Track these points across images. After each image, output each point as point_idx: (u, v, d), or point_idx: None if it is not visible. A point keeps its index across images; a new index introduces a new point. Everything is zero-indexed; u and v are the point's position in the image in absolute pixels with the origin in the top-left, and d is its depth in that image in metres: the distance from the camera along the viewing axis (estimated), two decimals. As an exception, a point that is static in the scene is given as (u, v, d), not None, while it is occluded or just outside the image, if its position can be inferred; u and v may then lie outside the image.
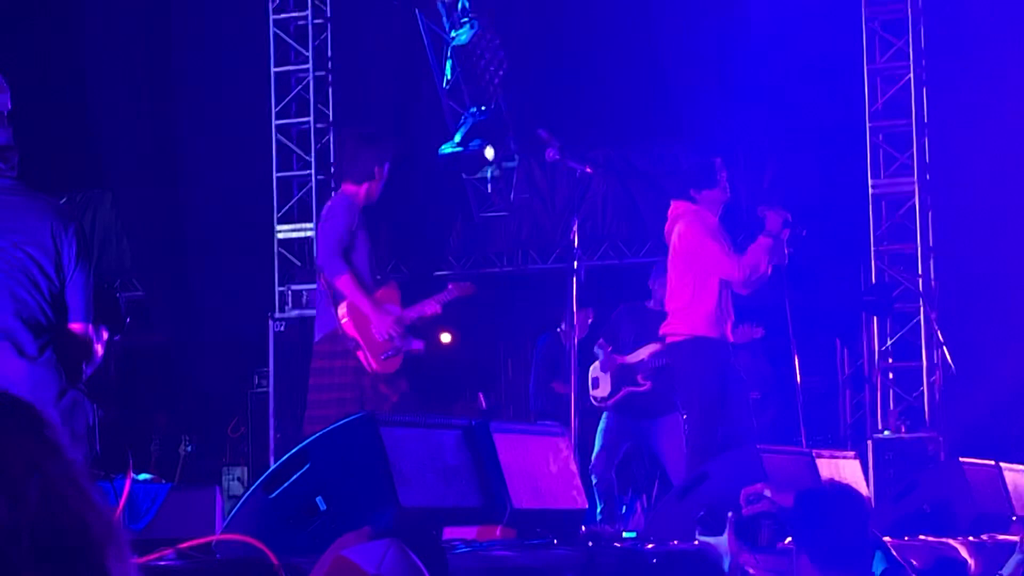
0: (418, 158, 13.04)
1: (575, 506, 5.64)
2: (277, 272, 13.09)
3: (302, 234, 13.11)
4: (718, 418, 7.80)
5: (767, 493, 4.64)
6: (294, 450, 4.69)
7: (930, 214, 12.12)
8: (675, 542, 5.52)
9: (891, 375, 12.12)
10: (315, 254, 7.47)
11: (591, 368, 9.28)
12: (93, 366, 4.66)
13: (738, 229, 8.35)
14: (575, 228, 7.85)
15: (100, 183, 14.03)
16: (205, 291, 13.62)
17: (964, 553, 6.40)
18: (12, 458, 1.27)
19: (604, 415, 9.36)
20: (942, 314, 11.84)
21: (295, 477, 4.59)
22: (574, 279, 7.60)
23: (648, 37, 13.04)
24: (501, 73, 13.03)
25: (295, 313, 12.68)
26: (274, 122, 13.22)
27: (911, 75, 12.07)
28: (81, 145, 13.83)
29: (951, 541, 6.52)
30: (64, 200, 5.00)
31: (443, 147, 13.26)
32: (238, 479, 12.98)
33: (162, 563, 3.88)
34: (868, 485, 8.39)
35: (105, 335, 4.71)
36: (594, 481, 9.11)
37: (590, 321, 10.05)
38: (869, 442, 11.56)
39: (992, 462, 8.08)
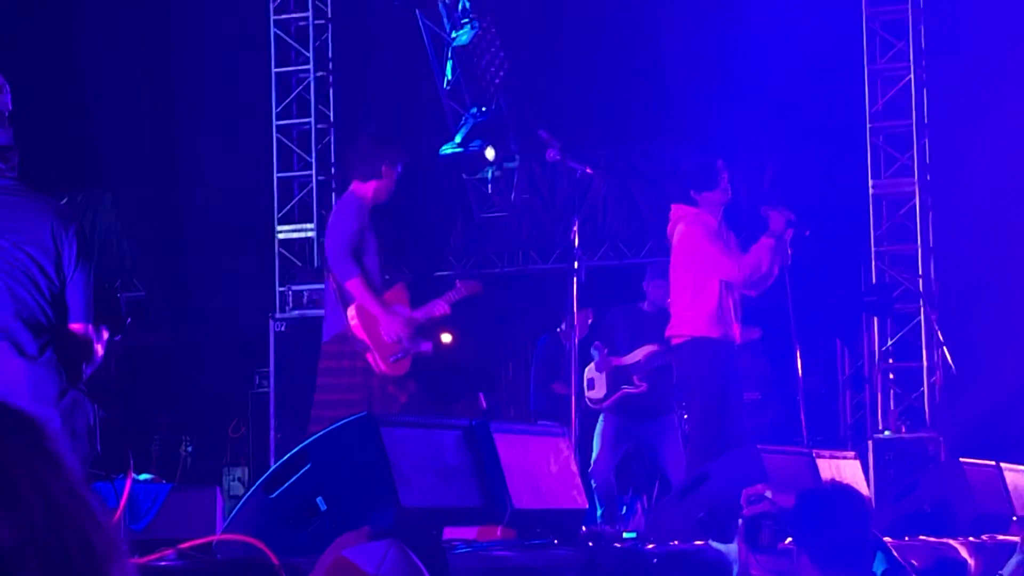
0: (418, 158, 13.01)
1: (575, 506, 5.64)
2: (278, 272, 13.09)
3: (303, 234, 13.11)
4: (719, 418, 7.80)
5: (768, 494, 4.64)
6: (294, 450, 4.69)
7: (930, 214, 12.12)
8: (675, 542, 5.52)
9: (891, 375, 12.12)
10: (324, 254, 7.43)
11: (586, 369, 9.27)
12: (93, 366, 4.66)
13: (738, 230, 8.34)
14: (575, 229, 7.85)
15: (100, 183, 14.03)
16: (205, 291, 13.62)
17: (964, 553, 6.40)
18: (17, 476, 1.24)
19: (601, 417, 9.34)
20: (942, 314, 11.84)
21: (295, 477, 4.59)
22: (574, 279, 7.60)
23: (648, 37, 13.04)
24: (502, 74, 13.03)
25: (296, 313, 12.68)
26: (275, 122, 13.23)
27: (911, 76, 12.07)
28: (81, 145, 13.83)
29: (951, 541, 6.52)
30: (64, 200, 5.00)
31: (444, 148, 13.26)
32: (239, 479, 12.97)
33: (162, 563, 3.88)
34: (868, 485, 8.39)
35: (105, 335, 4.71)
36: (594, 485, 9.10)
37: (590, 322, 10.05)
38: (869, 442, 11.56)
39: (992, 462, 8.08)
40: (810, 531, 4.09)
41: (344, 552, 2.80)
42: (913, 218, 12.08)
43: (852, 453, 7.99)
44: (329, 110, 13.28)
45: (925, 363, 11.87)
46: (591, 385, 9.25)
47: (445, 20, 13.23)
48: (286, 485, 4.59)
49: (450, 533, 4.94)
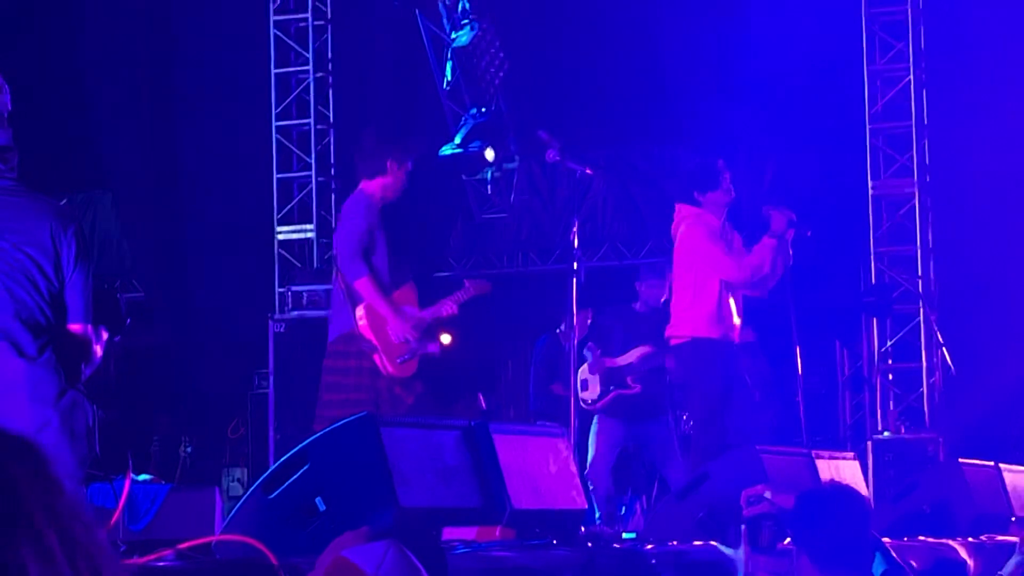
0: (418, 159, 13.00)
1: (575, 506, 5.64)
2: (277, 273, 13.09)
3: (302, 235, 13.12)
4: (720, 419, 7.80)
5: (767, 494, 4.64)
6: (294, 450, 4.69)
7: (930, 215, 12.12)
8: (675, 543, 5.53)
9: (891, 376, 12.12)
10: (333, 253, 7.40)
11: (580, 370, 9.25)
12: (92, 367, 4.66)
13: (738, 230, 8.34)
14: (575, 229, 7.83)
15: (100, 183, 14.03)
16: (205, 292, 13.62)
17: (963, 554, 6.40)
18: (33, 508, 1.22)
19: (595, 419, 9.31)
20: (942, 315, 11.85)
21: (294, 477, 4.59)
22: (574, 280, 7.59)
23: (648, 38, 13.04)
24: (501, 74, 13.03)
25: (295, 314, 12.68)
26: (274, 123, 13.23)
27: (911, 77, 12.08)
28: (81, 145, 13.82)
29: (951, 542, 6.53)
30: (64, 200, 4.99)
31: (443, 148, 13.26)
32: (238, 480, 12.97)
33: (162, 563, 3.88)
34: (868, 486, 8.40)
35: (105, 336, 4.71)
36: (591, 488, 9.08)
37: (589, 322, 10.04)
38: (869, 443, 11.56)
39: (991, 463, 8.08)
40: (809, 532, 4.09)
41: (343, 552, 2.80)
42: (913, 219, 12.08)
43: (851, 454, 8.00)
44: (329, 111, 13.28)
45: (924, 364, 11.88)
46: (585, 386, 9.23)
47: (445, 21, 13.23)
48: (285, 485, 4.59)
49: (449, 533, 4.95)
